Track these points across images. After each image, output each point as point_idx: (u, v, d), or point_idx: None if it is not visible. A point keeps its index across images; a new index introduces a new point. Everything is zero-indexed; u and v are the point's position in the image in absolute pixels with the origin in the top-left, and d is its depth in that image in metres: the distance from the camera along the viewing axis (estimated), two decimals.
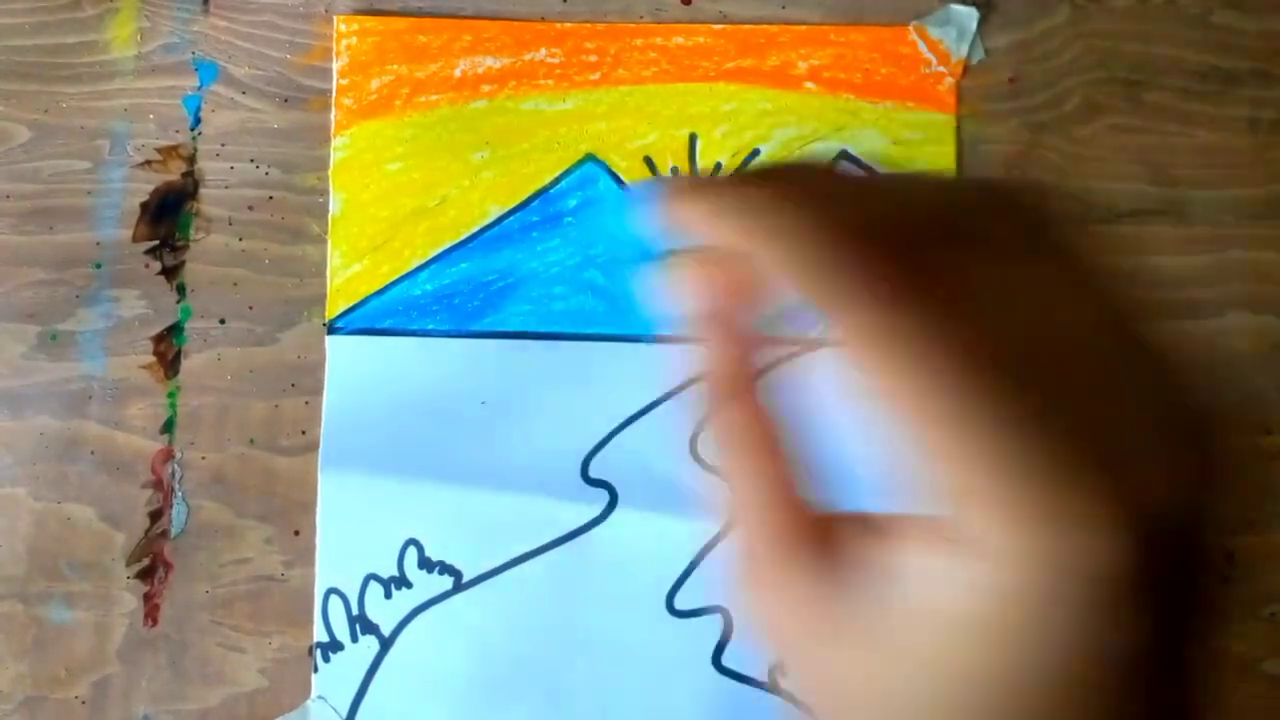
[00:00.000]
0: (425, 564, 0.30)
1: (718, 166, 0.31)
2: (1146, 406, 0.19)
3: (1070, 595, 0.18)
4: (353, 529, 0.31)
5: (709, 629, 0.30)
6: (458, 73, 0.32)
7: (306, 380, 0.31)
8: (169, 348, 0.31)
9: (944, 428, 0.17)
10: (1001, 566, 0.18)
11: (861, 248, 0.17)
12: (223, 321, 0.31)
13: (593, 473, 0.31)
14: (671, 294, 0.21)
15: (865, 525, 0.19)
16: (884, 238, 0.18)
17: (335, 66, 0.32)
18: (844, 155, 0.31)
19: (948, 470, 0.17)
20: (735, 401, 0.20)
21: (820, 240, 0.18)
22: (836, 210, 0.18)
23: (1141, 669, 0.18)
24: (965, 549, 0.17)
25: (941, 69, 0.31)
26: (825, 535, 0.19)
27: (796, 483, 0.20)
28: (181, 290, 0.32)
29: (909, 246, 0.18)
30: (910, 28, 0.31)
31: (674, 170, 0.30)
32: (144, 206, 0.32)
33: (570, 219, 0.31)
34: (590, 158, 0.32)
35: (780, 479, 0.20)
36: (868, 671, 0.19)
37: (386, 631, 0.30)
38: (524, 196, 0.31)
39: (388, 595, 0.30)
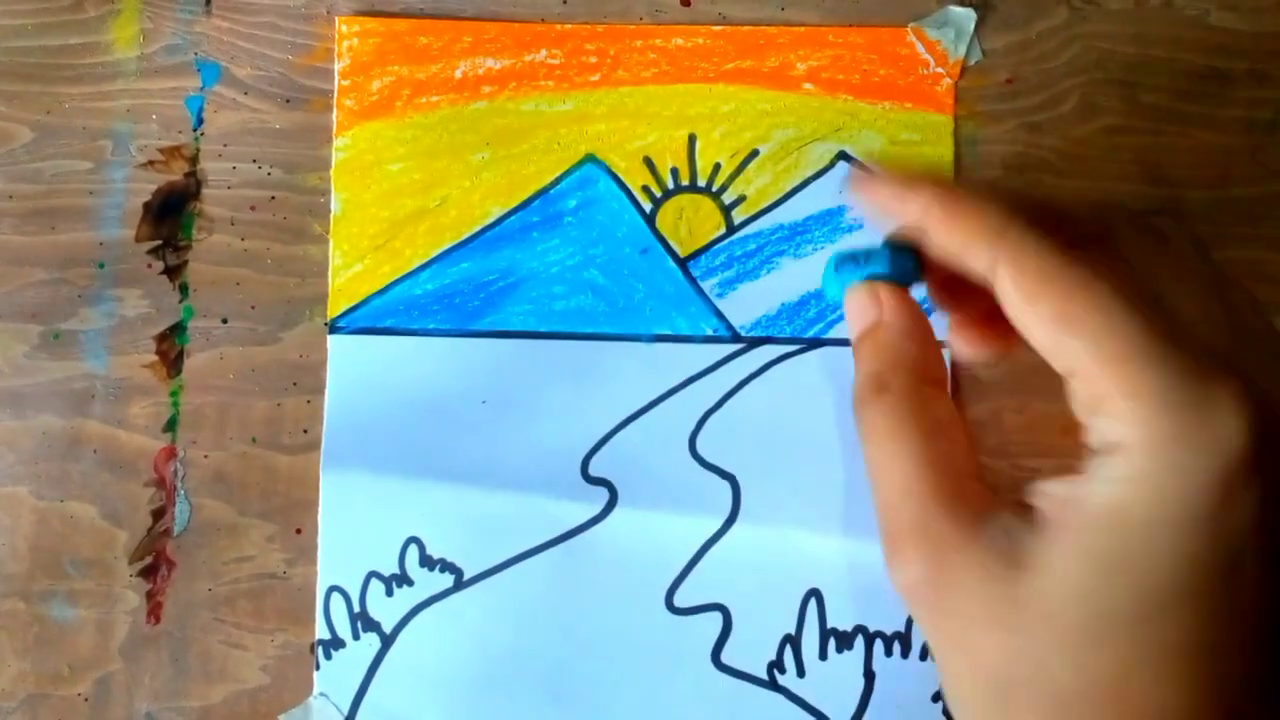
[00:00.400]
0: (426, 562, 0.31)
1: (716, 167, 0.32)
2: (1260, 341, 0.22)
3: (1214, 473, 0.19)
4: (354, 527, 0.31)
5: (708, 626, 0.30)
6: (458, 74, 0.32)
7: (308, 379, 0.31)
8: (171, 347, 0.32)
9: (1102, 338, 0.20)
10: (1148, 454, 0.20)
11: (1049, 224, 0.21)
12: (225, 321, 0.32)
13: (593, 471, 0.31)
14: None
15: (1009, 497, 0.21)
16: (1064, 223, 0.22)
17: (337, 67, 0.32)
18: (842, 156, 0.31)
19: (1093, 378, 0.20)
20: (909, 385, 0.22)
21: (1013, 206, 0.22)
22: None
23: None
24: (1108, 455, 0.20)
25: (939, 70, 0.32)
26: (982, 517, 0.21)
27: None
28: (184, 290, 0.32)
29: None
30: (908, 29, 0.32)
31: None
32: (146, 206, 0.32)
33: (570, 219, 0.32)
34: (590, 158, 0.32)
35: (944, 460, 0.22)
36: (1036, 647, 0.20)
37: (388, 629, 0.30)
38: (524, 197, 0.32)
39: (389, 593, 0.31)
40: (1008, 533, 0.21)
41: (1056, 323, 0.21)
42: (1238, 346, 0.21)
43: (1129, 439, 0.20)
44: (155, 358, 0.32)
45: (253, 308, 0.32)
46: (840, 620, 0.30)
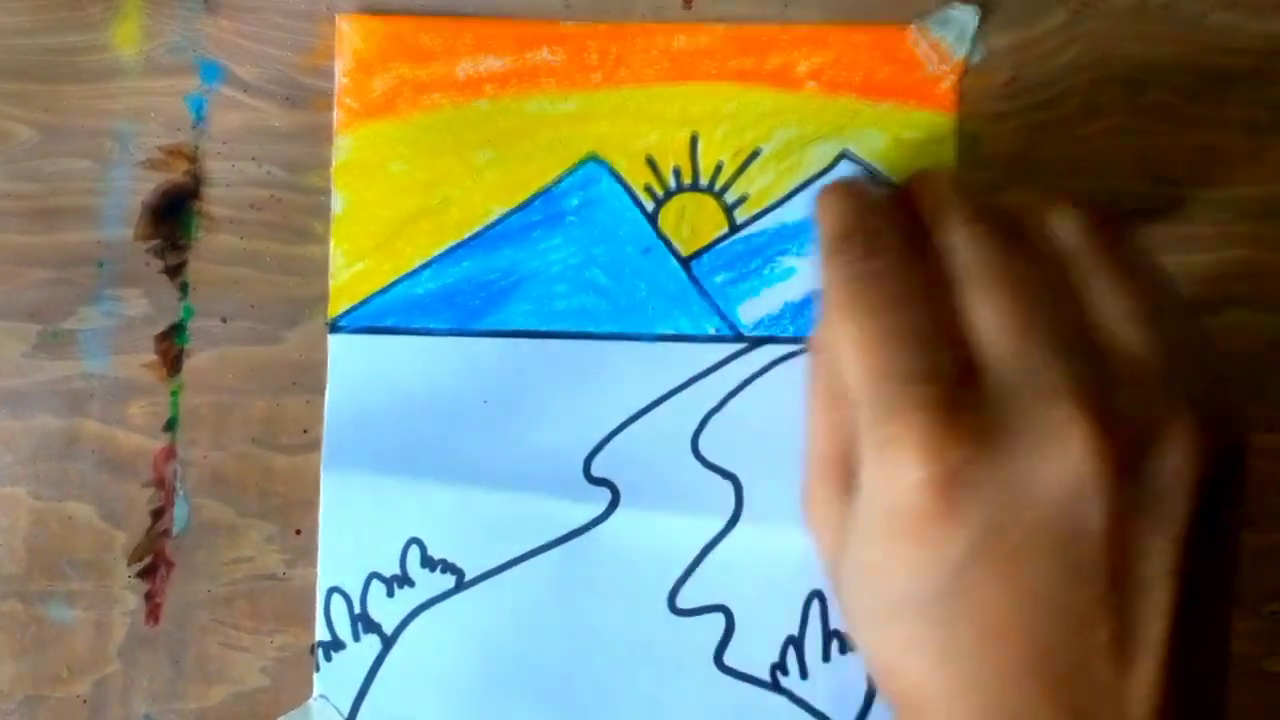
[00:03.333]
0: (427, 563, 0.30)
1: (719, 166, 0.32)
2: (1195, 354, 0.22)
3: (916, 489, 0.21)
4: (355, 527, 0.31)
5: (711, 628, 0.30)
6: (460, 73, 0.32)
7: (309, 379, 0.31)
8: (171, 346, 0.31)
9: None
10: (868, 465, 0.22)
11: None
12: (225, 320, 0.32)
13: (595, 471, 0.31)
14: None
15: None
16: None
17: (338, 66, 0.32)
18: (845, 155, 0.31)
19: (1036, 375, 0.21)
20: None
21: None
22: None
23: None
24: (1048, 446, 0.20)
25: (942, 69, 0.32)
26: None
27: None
28: (184, 289, 0.32)
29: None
30: (910, 28, 0.32)
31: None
32: (147, 206, 0.32)
33: (572, 218, 0.32)
34: (592, 157, 0.32)
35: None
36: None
37: (389, 630, 0.30)
38: (526, 196, 0.32)
39: (390, 594, 0.30)
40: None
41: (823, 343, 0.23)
42: (1108, 366, 0.21)
43: (864, 448, 0.22)
44: (155, 357, 0.31)
45: (253, 307, 0.32)
46: (844, 622, 0.30)
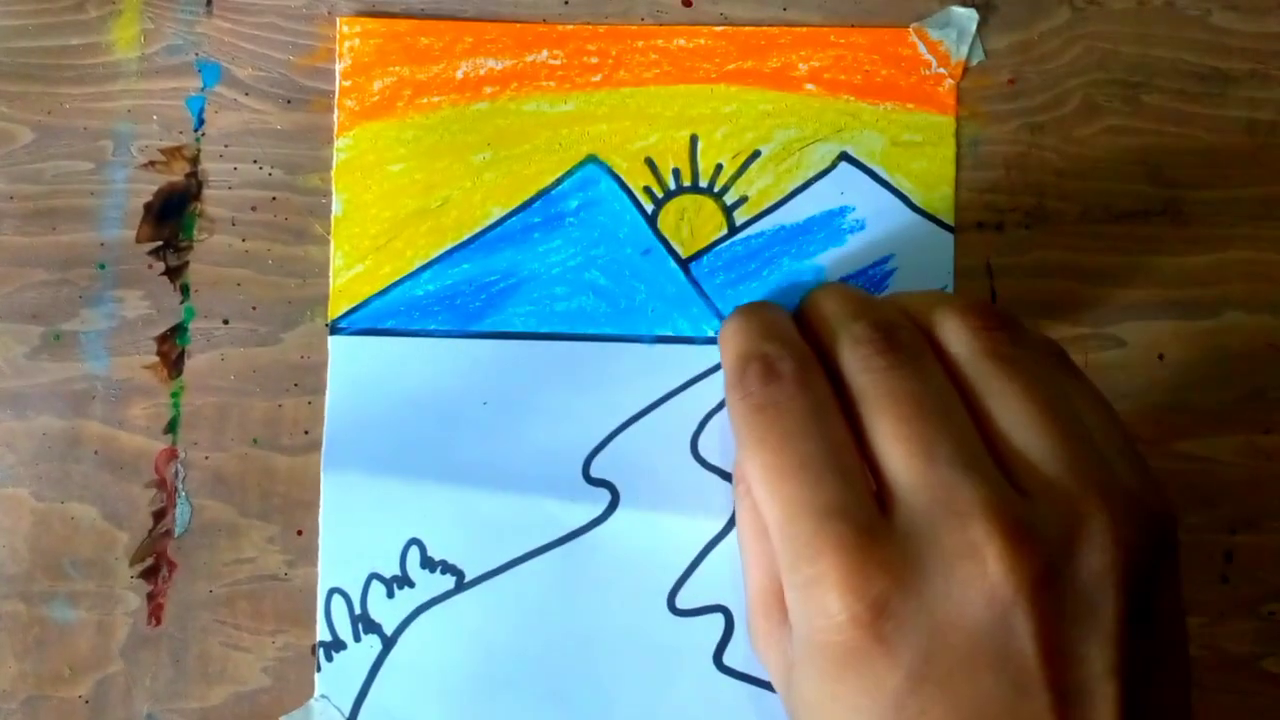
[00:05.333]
0: (428, 563, 0.31)
1: (718, 168, 0.32)
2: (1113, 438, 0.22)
3: (836, 635, 0.20)
4: (355, 528, 0.31)
5: (710, 628, 0.30)
6: (460, 74, 0.32)
7: (309, 380, 0.31)
8: (172, 348, 0.32)
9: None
10: (792, 606, 0.21)
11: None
12: (226, 322, 0.32)
13: (594, 472, 0.31)
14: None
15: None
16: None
17: (338, 68, 0.32)
18: (844, 157, 0.31)
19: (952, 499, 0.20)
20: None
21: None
22: None
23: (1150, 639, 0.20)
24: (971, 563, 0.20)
25: (941, 70, 0.32)
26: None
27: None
28: (185, 291, 0.32)
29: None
30: (910, 29, 0.32)
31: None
32: (147, 207, 0.32)
33: (572, 220, 0.32)
34: (592, 159, 0.32)
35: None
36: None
37: (389, 631, 0.30)
38: (525, 197, 0.32)
39: (390, 595, 0.30)
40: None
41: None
42: (1015, 478, 0.21)
43: (788, 588, 0.22)
44: (156, 359, 0.32)
45: (254, 309, 0.32)
46: None
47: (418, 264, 0.31)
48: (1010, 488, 0.21)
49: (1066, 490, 0.20)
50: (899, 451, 0.21)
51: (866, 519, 0.21)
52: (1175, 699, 0.21)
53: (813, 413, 0.22)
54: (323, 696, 0.30)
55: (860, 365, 0.22)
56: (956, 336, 0.23)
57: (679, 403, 0.31)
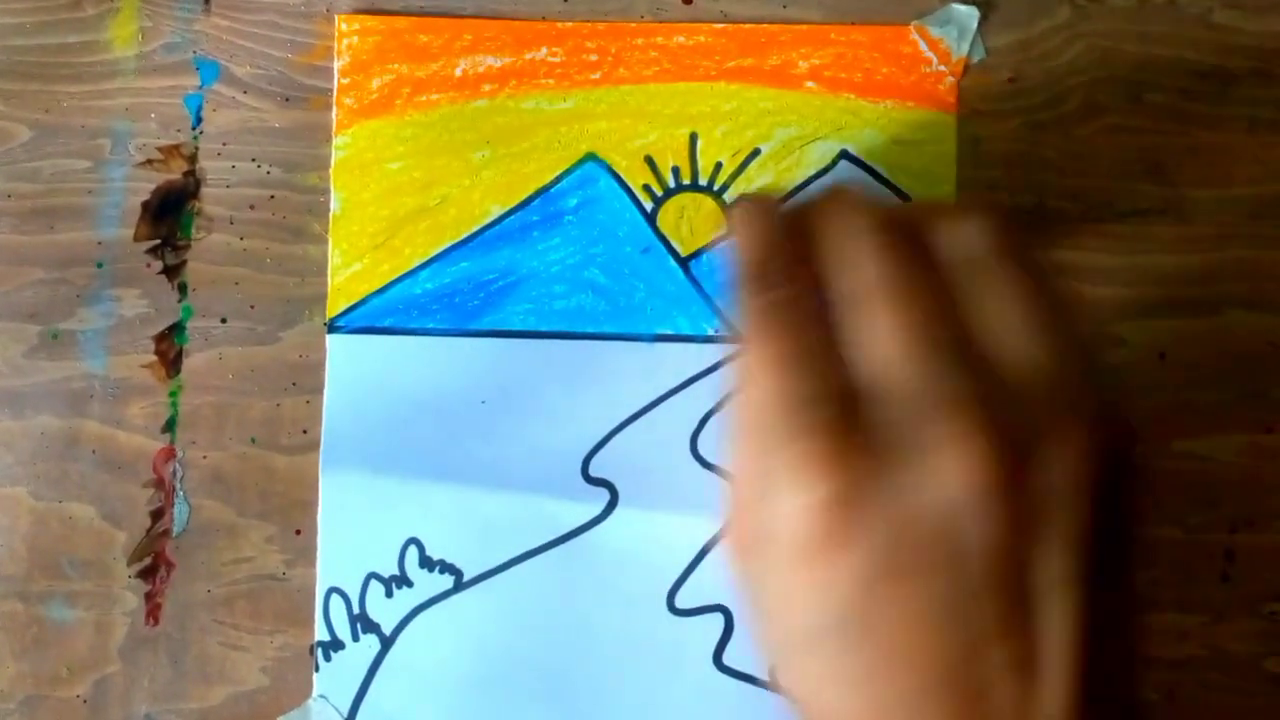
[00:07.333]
0: (426, 563, 0.30)
1: (718, 166, 0.31)
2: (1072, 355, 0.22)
3: (795, 529, 0.20)
4: (354, 528, 0.31)
5: (710, 627, 0.30)
6: (458, 72, 0.32)
7: (307, 379, 0.31)
8: (170, 347, 0.31)
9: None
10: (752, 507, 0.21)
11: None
12: (224, 320, 0.31)
13: (593, 472, 0.31)
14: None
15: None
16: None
17: (336, 66, 0.32)
18: (844, 155, 0.31)
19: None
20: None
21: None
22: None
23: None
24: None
25: (942, 68, 0.31)
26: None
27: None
28: (183, 289, 0.32)
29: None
30: (911, 27, 0.32)
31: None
32: (145, 206, 0.32)
33: (571, 218, 0.31)
34: (591, 157, 0.32)
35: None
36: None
37: (387, 630, 0.30)
38: (524, 195, 0.32)
39: (389, 594, 0.30)
40: None
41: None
42: (994, 378, 0.21)
43: (767, 479, 0.21)
44: (154, 358, 0.31)
45: (252, 307, 0.32)
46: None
47: (416, 262, 0.31)
48: (988, 388, 0.21)
49: (1043, 397, 0.21)
50: (884, 341, 0.21)
51: (842, 410, 0.21)
52: (1127, 622, 0.21)
53: (808, 314, 0.22)
54: (321, 696, 0.30)
55: (856, 259, 0.22)
56: (953, 238, 0.23)
57: (678, 402, 0.31)
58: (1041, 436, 0.20)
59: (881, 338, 0.21)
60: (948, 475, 0.20)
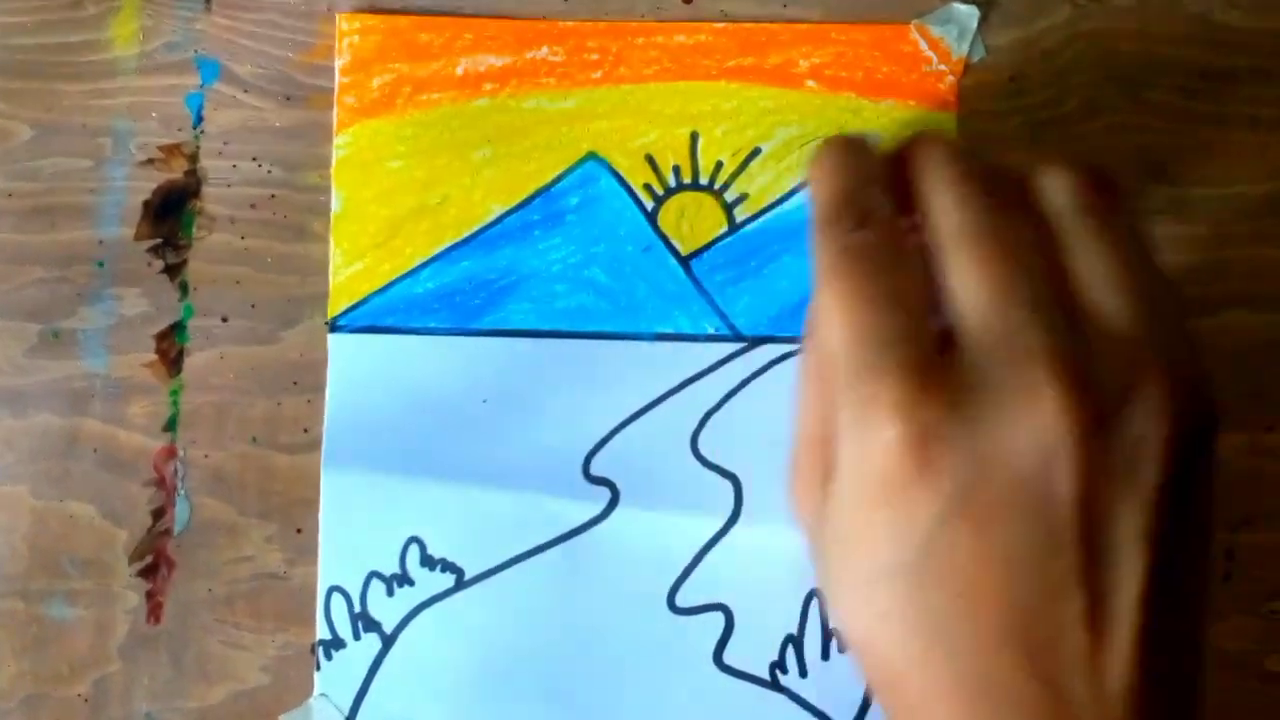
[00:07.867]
0: (427, 561, 0.30)
1: (718, 165, 0.31)
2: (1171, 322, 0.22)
3: (885, 458, 0.20)
4: (355, 526, 0.31)
5: (710, 626, 0.30)
6: (459, 71, 0.32)
7: (308, 378, 0.31)
8: (171, 346, 0.31)
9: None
10: (841, 443, 0.21)
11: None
12: (225, 320, 0.31)
13: (594, 470, 0.31)
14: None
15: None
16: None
17: (337, 65, 0.32)
18: None
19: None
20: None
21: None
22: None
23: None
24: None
25: (942, 67, 0.31)
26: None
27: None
28: (184, 288, 0.32)
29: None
30: (911, 26, 0.32)
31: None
32: (146, 205, 0.32)
33: (572, 217, 0.31)
34: (592, 156, 0.32)
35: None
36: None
37: (389, 629, 0.30)
38: (525, 195, 0.32)
39: (390, 593, 0.30)
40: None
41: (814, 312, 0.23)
42: (1084, 331, 0.21)
43: (842, 413, 0.22)
44: (155, 357, 0.31)
45: (253, 306, 0.32)
46: (825, 597, 0.30)
47: (417, 261, 0.31)
48: (1079, 340, 0.21)
49: (1132, 353, 0.21)
50: (976, 287, 0.21)
51: (931, 350, 0.21)
52: (1195, 586, 0.21)
53: (895, 255, 0.22)
54: (322, 695, 0.30)
55: (953, 204, 0.22)
56: (1055, 188, 0.23)
57: (679, 400, 0.31)
58: (1129, 392, 0.20)
59: (972, 284, 0.21)
60: (1035, 421, 0.20)
